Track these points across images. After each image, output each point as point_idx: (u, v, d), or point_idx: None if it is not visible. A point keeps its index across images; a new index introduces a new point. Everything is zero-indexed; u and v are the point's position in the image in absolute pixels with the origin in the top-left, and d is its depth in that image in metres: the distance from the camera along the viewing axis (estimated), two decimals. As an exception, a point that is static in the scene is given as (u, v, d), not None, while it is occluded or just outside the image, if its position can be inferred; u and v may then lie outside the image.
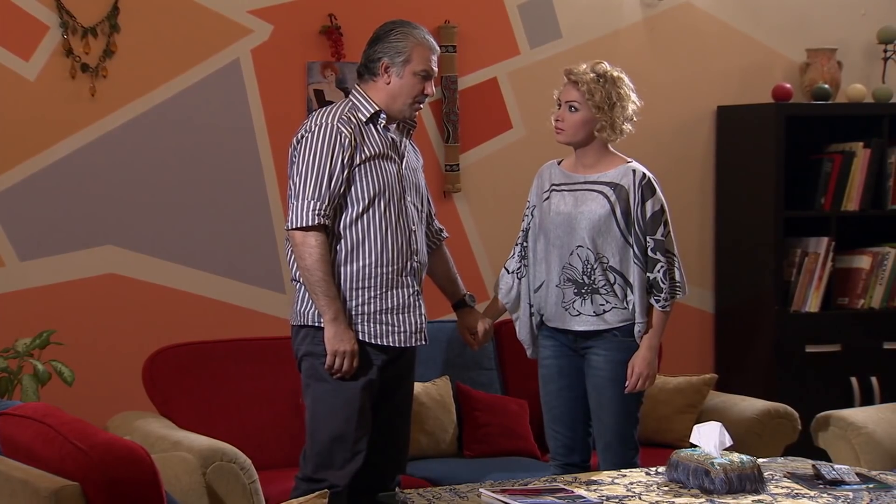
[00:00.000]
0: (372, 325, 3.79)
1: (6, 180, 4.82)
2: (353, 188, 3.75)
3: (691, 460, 3.86)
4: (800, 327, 5.57)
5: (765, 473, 3.91)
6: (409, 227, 3.83)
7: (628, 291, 4.03)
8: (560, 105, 4.09)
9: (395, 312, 3.80)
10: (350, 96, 3.87)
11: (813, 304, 5.59)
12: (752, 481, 3.83)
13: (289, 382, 4.63)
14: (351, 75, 5.16)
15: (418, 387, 4.73)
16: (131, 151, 4.95)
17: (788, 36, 5.86)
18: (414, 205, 3.87)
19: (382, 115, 3.81)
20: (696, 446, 3.96)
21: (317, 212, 3.71)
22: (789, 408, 4.93)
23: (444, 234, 4.13)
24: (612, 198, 4.03)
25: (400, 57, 3.80)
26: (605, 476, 3.93)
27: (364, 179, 3.76)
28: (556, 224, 4.05)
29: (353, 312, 3.78)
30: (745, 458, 3.88)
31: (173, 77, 4.99)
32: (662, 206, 4.08)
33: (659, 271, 4.04)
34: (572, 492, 3.65)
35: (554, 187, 4.10)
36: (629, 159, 4.14)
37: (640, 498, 3.70)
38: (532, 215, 4.15)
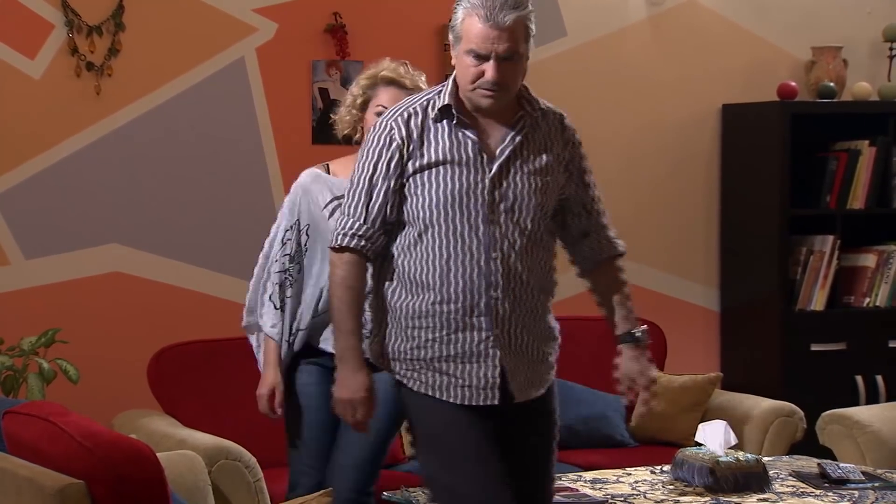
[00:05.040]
0: (428, 373, 3.06)
1: (11, 178, 4.82)
2: (407, 203, 3.05)
3: (696, 459, 3.86)
4: (805, 325, 5.56)
5: (770, 472, 3.91)
6: (489, 254, 3.02)
7: None
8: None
9: (458, 361, 3.04)
10: (447, 79, 3.13)
11: (818, 302, 5.58)
12: (758, 480, 3.83)
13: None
14: (356, 74, 5.15)
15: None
16: (136, 150, 4.95)
17: (794, 34, 5.85)
18: (513, 222, 3.04)
19: (455, 111, 3.04)
20: (701, 445, 3.96)
21: (351, 232, 3.06)
22: (794, 406, 4.92)
23: (608, 252, 3.17)
24: None
25: (453, 32, 3.05)
26: (609, 475, 3.94)
27: (419, 193, 3.04)
28: None
29: (407, 356, 3.07)
30: (750, 456, 3.89)
31: (178, 75, 4.99)
32: None
33: None
34: (577, 490, 3.65)
35: (338, 201, 3.58)
36: None
37: (644, 496, 3.70)
38: (307, 234, 3.66)
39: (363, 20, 5.14)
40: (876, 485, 3.88)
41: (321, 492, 3.36)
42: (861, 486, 3.85)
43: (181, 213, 5.02)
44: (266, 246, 3.79)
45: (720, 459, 3.82)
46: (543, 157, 3.07)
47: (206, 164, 5.05)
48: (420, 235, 3.03)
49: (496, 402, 3.02)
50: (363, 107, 3.64)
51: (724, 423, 3.96)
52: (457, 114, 3.03)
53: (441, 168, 3.01)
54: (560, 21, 5.53)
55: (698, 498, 3.73)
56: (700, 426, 4.01)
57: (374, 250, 3.07)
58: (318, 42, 5.16)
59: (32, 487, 3.04)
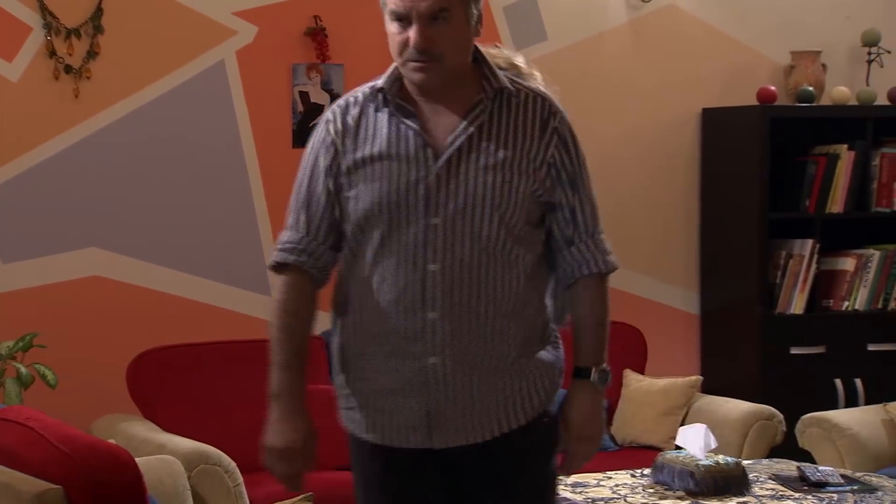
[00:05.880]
0: (362, 410, 2.57)
1: (-11, 182, 4.81)
2: (344, 208, 2.55)
3: (676, 462, 3.87)
4: (784, 329, 5.58)
5: (749, 475, 3.92)
6: (426, 266, 2.48)
7: None
8: None
9: (390, 395, 2.52)
10: None
11: (797, 305, 5.59)
12: (737, 483, 3.84)
13: (273, 385, 4.62)
14: (336, 77, 5.16)
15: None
16: (115, 153, 4.93)
17: (773, 38, 5.87)
18: (462, 229, 2.48)
19: (391, 97, 2.53)
20: (681, 448, 3.97)
21: (290, 246, 2.56)
22: (774, 409, 4.94)
23: (591, 267, 2.59)
24: None
25: None
26: (590, 478, 3.94)
27: (354, 195, 2.53)
28: None
29: (345, 390, 2.60)
30: (729, 459, 3.89)
31: (158, 79, 4.97)
32: None
33: None
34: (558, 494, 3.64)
35: None
36: None
37: (625, 500, 3.70)
38: None
39: (343, 23, 5.14)
40: (855, 488, 3.89)
41: (303, 495, 3.35)
42: (840, 489, 3.86)
43: (160, 217, 5.00)
44: None
45: (700, 463, 3.83)
46: (509, 148, 2.51)
47: (186, 168, 5.03)
48: (358, 246, 2.52)
49: (427, 444, 2.51)
50: None
51: (705, 426, 3.97)
52: (394, 99, 2.51)
53: (378, 165, 2.49)
54: (540, 25, 5.54)
55: (679, 501, 3.73)
56: (680, 430, 4.02)
57: (321, 266, 2.56)
58: (299, 45, 5.15)
59: (9, 493, 3.02)
